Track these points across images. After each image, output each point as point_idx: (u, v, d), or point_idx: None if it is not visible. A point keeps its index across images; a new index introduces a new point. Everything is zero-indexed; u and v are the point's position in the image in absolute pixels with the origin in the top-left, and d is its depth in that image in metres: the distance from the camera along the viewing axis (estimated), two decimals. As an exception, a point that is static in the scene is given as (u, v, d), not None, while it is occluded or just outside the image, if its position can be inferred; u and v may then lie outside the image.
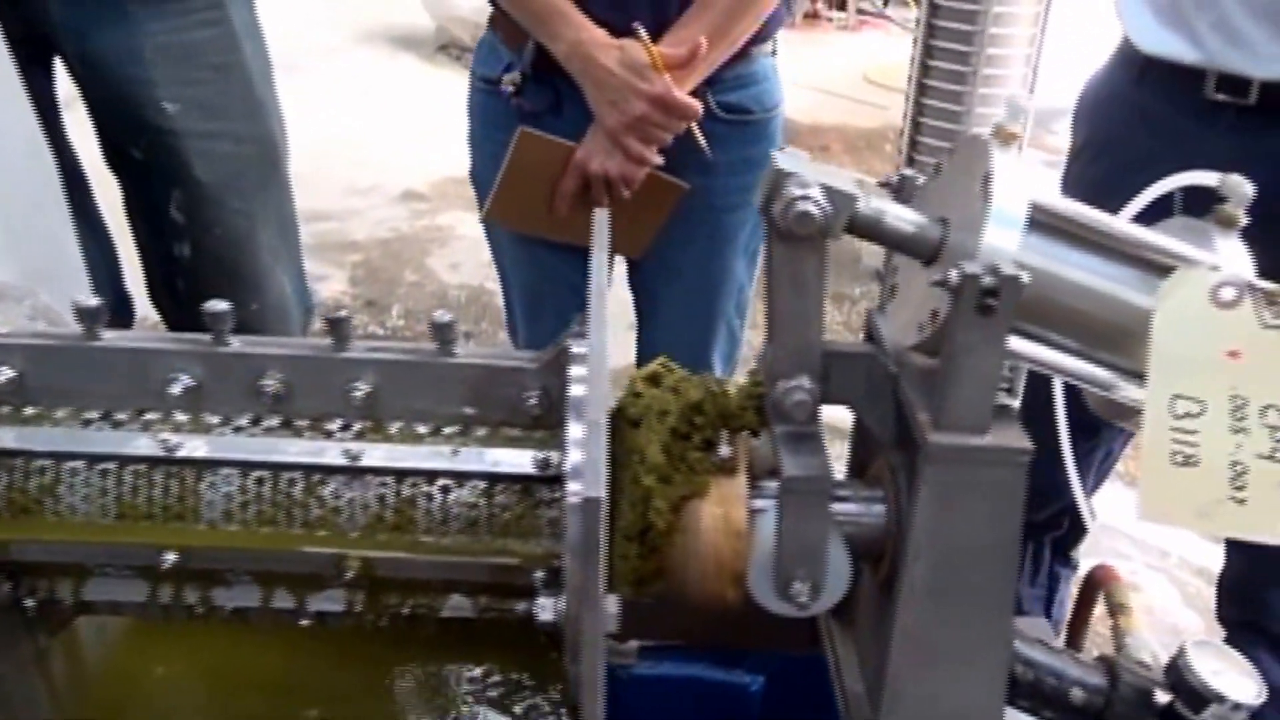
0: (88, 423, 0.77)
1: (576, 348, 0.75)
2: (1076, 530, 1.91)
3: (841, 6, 7.40)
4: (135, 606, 0.78)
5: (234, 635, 0.89)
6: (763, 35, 1.56)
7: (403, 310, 3.52)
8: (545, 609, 0.67)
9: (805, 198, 0.66)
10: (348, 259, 3.94)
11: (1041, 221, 0.69)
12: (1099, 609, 1.07)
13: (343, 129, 5.07)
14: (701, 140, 1.52)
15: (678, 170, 1.55)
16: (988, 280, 0.63)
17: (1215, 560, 2.59)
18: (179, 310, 1.68)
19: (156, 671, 0.91)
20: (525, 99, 1.55)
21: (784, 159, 0.68)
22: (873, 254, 3.53)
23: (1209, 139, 1.39)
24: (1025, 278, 0.63)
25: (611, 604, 0.68)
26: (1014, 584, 0.74)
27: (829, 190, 0.67)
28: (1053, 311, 0.71)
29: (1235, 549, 1.77)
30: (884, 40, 7.07)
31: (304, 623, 0.78)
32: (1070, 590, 2.06)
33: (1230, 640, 1.70)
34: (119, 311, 1.68)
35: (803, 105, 5.50)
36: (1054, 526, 1.89)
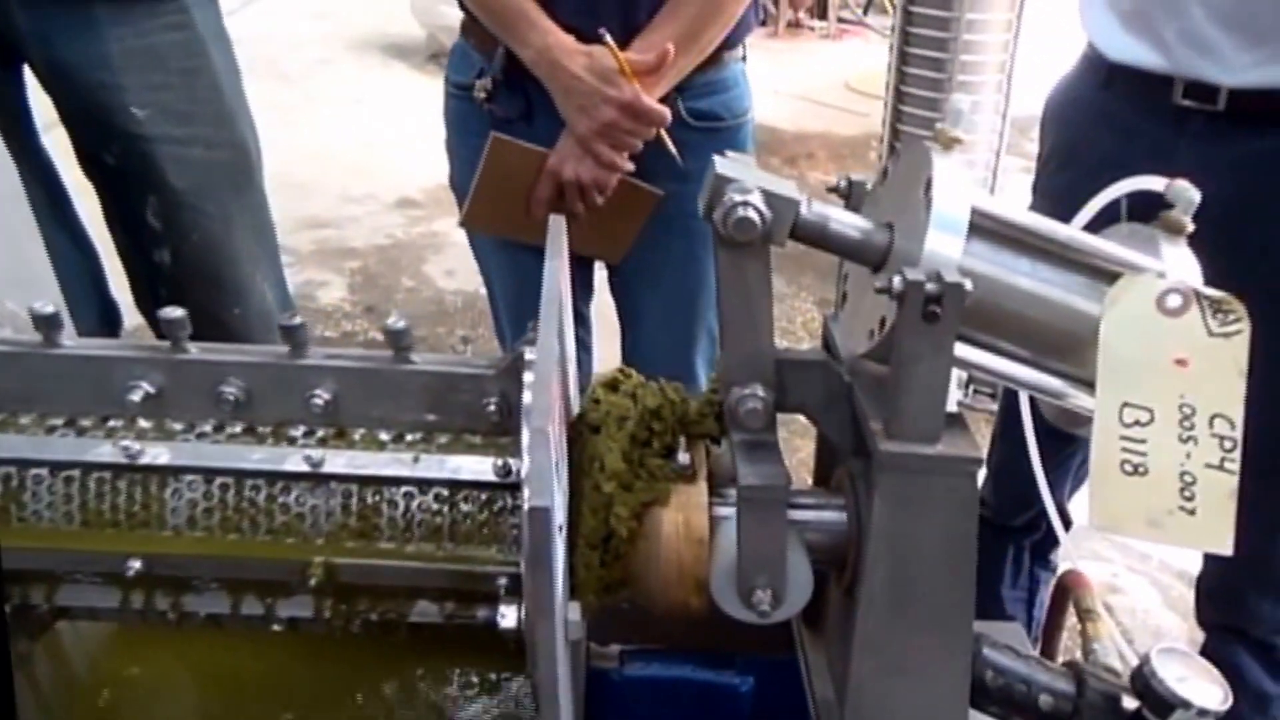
0: (52, 429, 0.77)
1: (530, 353, 0.75)
2: (1055, 534, 1.90)
3: (823, 15, 7.41)
4: (110, 612, 0.78)
5: (217, 638, 0.89)
6: (732, 41, 1.55)
7: (401, 316, 3.50)
8: (507, 616, 0.67)
9: (745, 204, 0.66)
10: (346, 265, 3.95)
11: (985, 227, 0.69)
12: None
13: (336, 138, 5.08)
14: (672, 147, 1.51)
15: (651, 177, 1.55)
16: (931, 287, 0.63)
17: (1196, 563, 2.59)
18: None
19: (140, 674, 0.91)
20: (497, 105, 1.54)
21: (724, 164, 0.68)
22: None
23: (1176, 145, 1.38)
24: (968, 284, 0.62)
25: (574, 611, 0.67)
26: (972, 590, 0.73)
27: (769, 195, 0.67)
28: (1001, 319, 0.70)
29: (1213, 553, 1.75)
30: (864, 48, 7.09)
31: (276, 628, 0.77)
32: (1049, 592, 2.05)
33: (1211, 643, 1.70)
34: (106, 320, 1.68)
35: (786, 113, 5.51)
36: (1033, 530, 1.88)
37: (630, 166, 1.50)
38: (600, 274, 1.80)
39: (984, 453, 0.70)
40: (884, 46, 6.58)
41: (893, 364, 0.67)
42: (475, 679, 0.91)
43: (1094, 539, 2.67)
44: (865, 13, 7.60)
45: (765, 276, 0.69)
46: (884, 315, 0.68)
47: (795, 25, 7.29)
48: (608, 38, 1.41)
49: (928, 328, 0.64)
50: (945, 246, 0.65)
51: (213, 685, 0.93)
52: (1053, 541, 1.95)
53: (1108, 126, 1.47)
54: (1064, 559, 2.00)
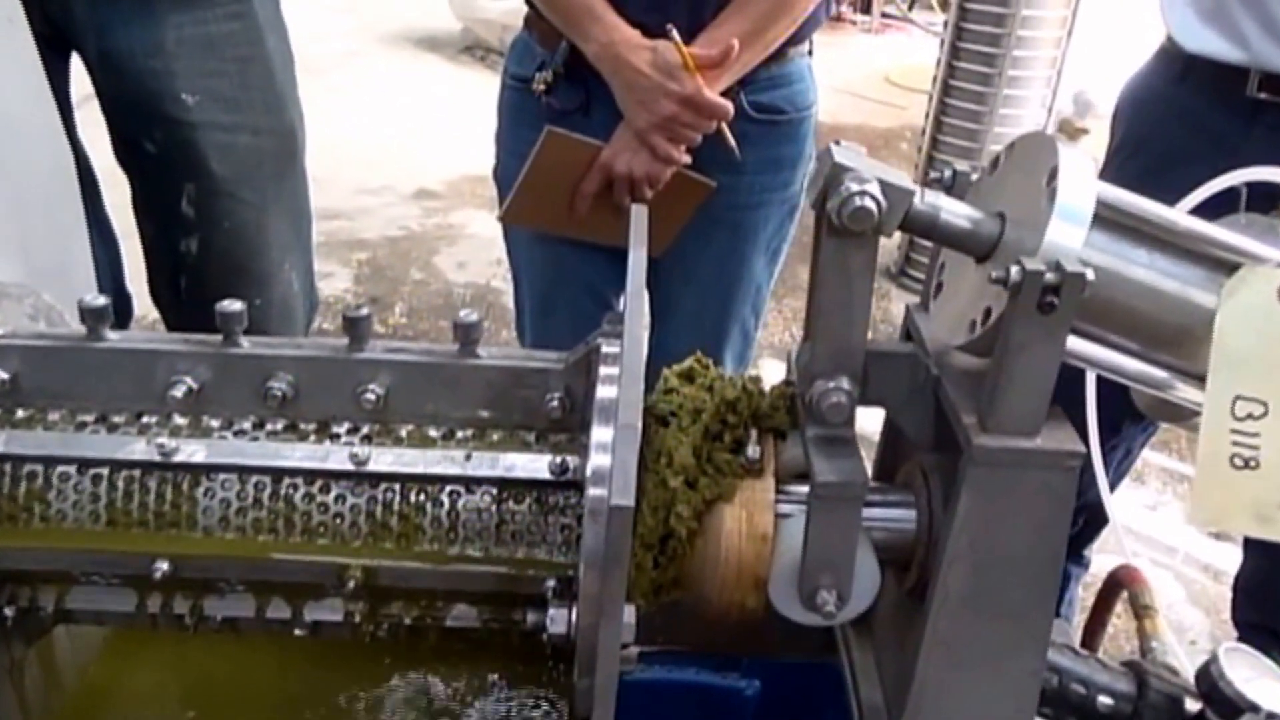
0: (82, 426, 0.71)
1: (608, 347, 0.69)
2: (1091, 528, 1.85)
3: (866, 10, 7.30)
4: (120, 616, 0.72)
5: (218, 643, 0.83)
6: (799, 36, 1.50)
7: (406, 308, 3.44)
8: (556, 621, 0.61)
9: (863, 193, 0.60)
10: (354, 256, 3.85)
11: (1105, 217, 0.63)
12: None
13: (360, 129, 4.99)
14: (731, 140, 1.46)
15: (704, 167, 1.49)
16: (1050, 277, 0.58)
17: (1221, 557, 2.52)
18: (179, 308, 1.61)
19: (137, 682, 0.85)
20: (555, 98, 1.49)
21: (840, 153, 0.62)
22: (884, 247, 3.46)
23: (1246, 138, 1.33)
24: (1090, 274, 0.57)
25: (629, 615, 0.62)
26: (1055, 589, 0.68)
27: (886, 185, 0.61)
28: (1112, 310, 0.65)
29: (1254, 550, 1.70)
30: (906, 43, 6.98)
31: (299, 632, 0.72)
32: (1079, 590, 1.99)
33: (1242, 641, 1.64)
34: (118, 309, 1.62)
35: (825, 106, 5.40)
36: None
37: (687, 159, 1.45)
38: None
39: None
40: (926, 42, 6.47)
41: (996, 355, 0.62)
42: (498, 683, 0.87)
43: (1120, 532, 2.60)
44: (910, 9, 7.47)
45: (870, 268, 0.63)
46: (989, 306, 0.62)
47: (838, 19, 7.18)
48: (674, 33, 1.36)
49: (1040, 318, 0.59)
50: (1067, 236, 0.60)
51: (216, 694, 0.88)
52: (1086, 537, 1.90)
53: (1178, 119, 1.43)
54: (1098, 553, 1.94)
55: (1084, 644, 1.14)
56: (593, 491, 0.64)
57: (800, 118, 1.56)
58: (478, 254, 3.72)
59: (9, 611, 0.72)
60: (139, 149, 1.49)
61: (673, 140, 1.41)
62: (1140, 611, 0.98)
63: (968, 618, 0.68)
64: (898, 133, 5.27)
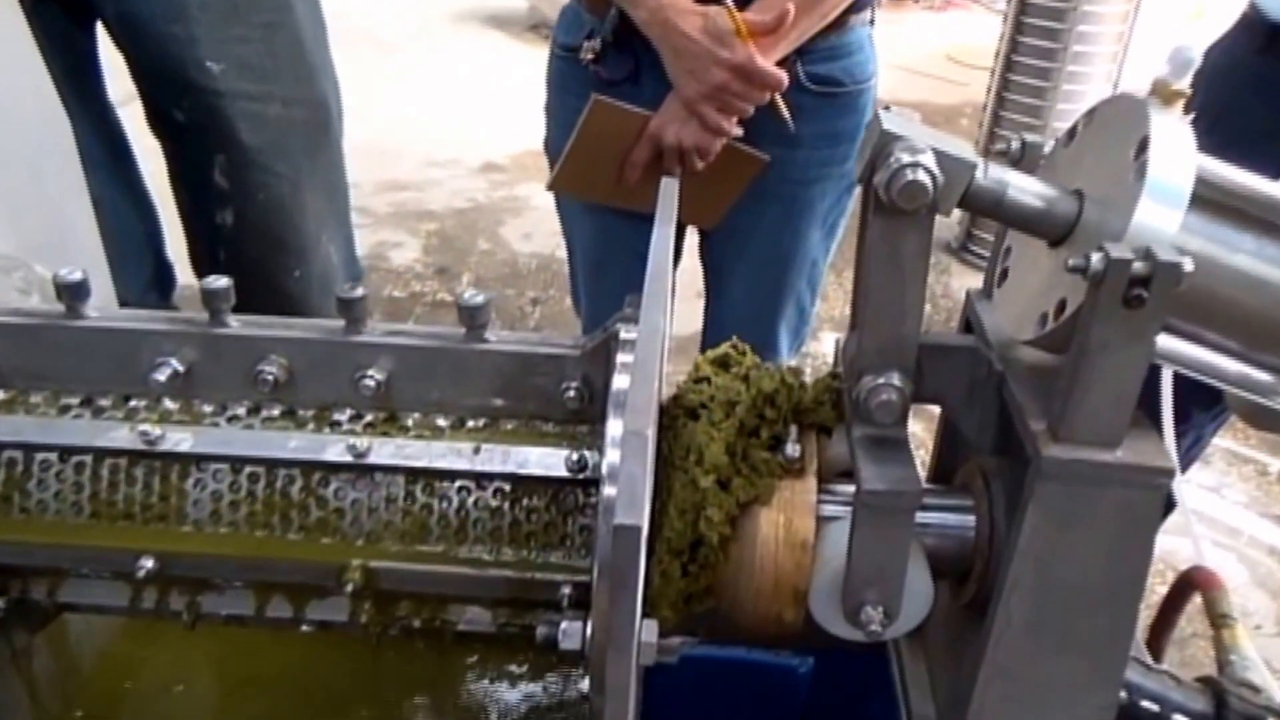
0: (66, 409, 0.64)
1: (626, 333, 0.60)
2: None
3: (928, -14, 7.04)
4: (115, 611, 0.66)
5: (233, 631, 0.77)
6: (861, 3, 1.39)
7: (473, 278, 3.40)
8: (570, 636, 0.52)
9: (916, 165, 0.50)
10: (423, 227, 3.80)
11: (1205, 198, 0.52)
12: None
13: (428, 104, 4.95)
14: (785, 112, 1.35)
15: (757, 140, 1.39)
16: (1139, 267, 0.47)
17: (1289, 539, 2.37)
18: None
19: (156, 664, 0.80)
20: (604, 66, 1.40)
21: (890, 120, 0.52)
22: (943, 222, 3.30)
23: None
24: (1188, 264, 0.46)
25: (650, 632, 0.53)
26: (1134, 620, 0.59)
27: (943, 157, 0.51)
28: (1211, 304, 0.54)
29: None
30: (967, 20, 6.73)
31: (305, 629, 0.65)
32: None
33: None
34: (159, 282, 1.56)
35: (885, 82, 5.23)
36: (1132, 514, 1.69)
37: (738, 132, 1.36)
38: (690, 239, 1.64)
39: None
40: (988, 19, 6.23)
41: (1072, 353, 0.51)
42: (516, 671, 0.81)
43: (1180, 512, 2.46)
44: (973, -15, 7.20)
45: (924, 251, 0.54)
46: (1064, 297, 0.52)
47: (899, -4, 6.95)
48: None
49: (1126, 314, 0.48)
50: (1160, 219, 0.49)
51: (232, 681, 0.83)
52: (1154, 527, 1.76)
53: (1258, 93, 1.31)
54: (1161, 534, 1.80)
55: (1148, 647, 1.04)
56: (608, 491, 0.56)
57: (859, 90, 1.45)
58: (542, 225, 3.66)
59: (1, 603, 0.66)
60: (169, 118, 1.42)
61: (723, 111, 1.31)
62: (1217, 621, 0.89)
63: (1031, 648, 0.59)
64: (958, 109, 5.09)
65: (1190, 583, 0.95)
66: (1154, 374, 0.79)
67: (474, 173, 4.31)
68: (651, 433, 0.47)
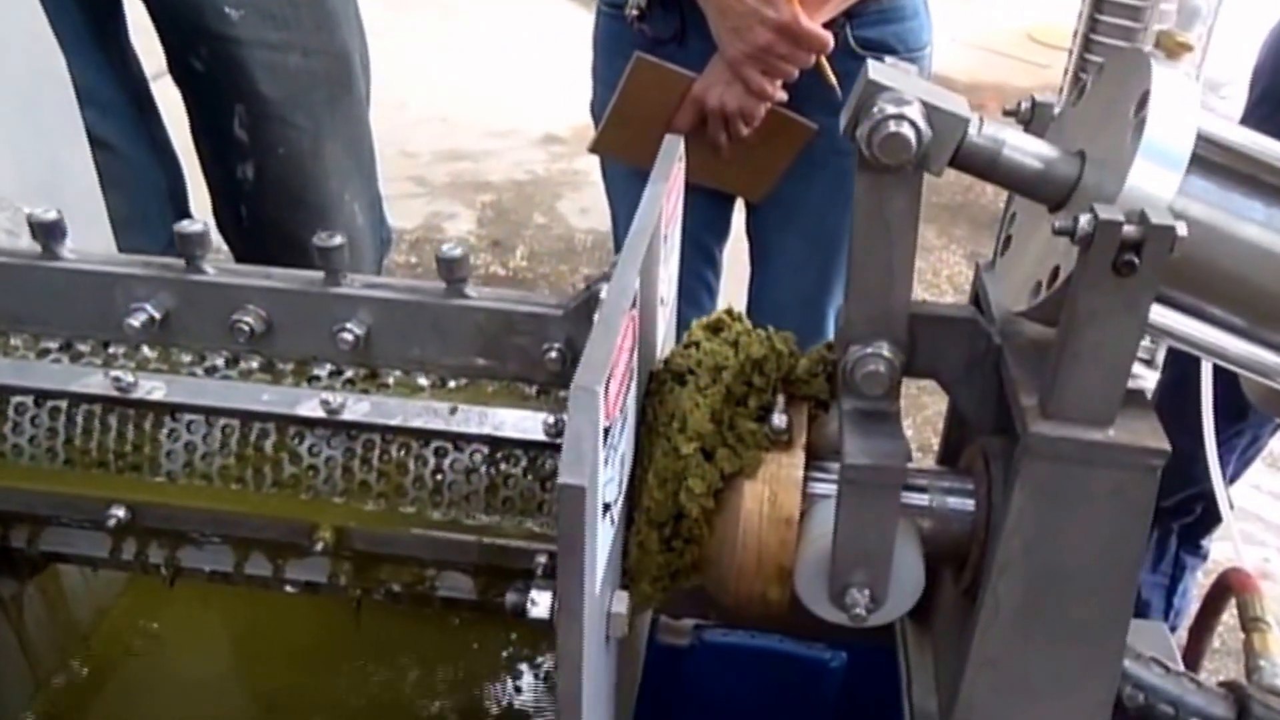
0: (45, 353, 0.64)
1: (606, 293, 0.58)
2: (1209, 518, 1.66)
3: (1010, -35, 6.82)
4: (96, 561, 0.66)
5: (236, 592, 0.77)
6: None
7: (527, 251, 3.34)
8: (538, 604, 0.51)
9: (900, 117, 0.47)
10: (479, 199, 3.75)
11: (1210, 160, 0.48)
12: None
13: (491, 72, 4.88)
14: (831, 77, 1.31)
15: (805, 107, 1.35)
16: (1130, 230, 0.44)
17: (1358, 548, 2.26)
18: (243, 238, 1.52)
19: (151, 627, 0.81)
20: (649, 25, 1.38)
21: (880, 70, 0.49)
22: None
23: None
24: (1182, 228, 0.43)
25: (620, 603, 0.52)
26: (1130, 606, 0.57)
27: (932, 110, 0.48)
28: (1215, 276, 0.51)
29: None
30: (1051, -1, 6.51)
31: (289, 590, 0.64)
32: (1196, 579, 1.79)
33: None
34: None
35: (963, 62, 5.11)
36: (1184, 513, 1.65)
37: (783, 96, 1.32)
38: (738, 215, 1.61)
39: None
40: (1072, -2, 6.02)
41: (1062, 325, 0.49)
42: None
43: (1246, 520, 2.36)
44: (1056, -36, 6.97)
45: (912, 212, 0.51)
46: (1058, 264, 0.49)
47: (980, -26, 6.74)
48: None
49: (1117, 282, 0.45)
50: (1155, 181, 0.46)
51: (229, 632, 0.84)
52: (1205, 526, 1.71)
53: None
54: (1217, 537, 1.73)
55: (1188, 652, 1.00)
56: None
57: (912, 57, 1.40)
58: (601, 200, 3.57)
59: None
60: (189, 68, 1.41)
61: (767, 73, 1.28)
62: (1249, 624, 0.85)
63: (1021, 636, 0.57)
64: (1038, 91, 4.92)
65: (1227, 584, 0.91)
66: (1195, 368, 0.75)
67: (534, 144, 4.29)
68: (613, 388, 0.46)
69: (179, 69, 1.41)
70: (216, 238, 1.60)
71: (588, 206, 3.69)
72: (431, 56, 4.65)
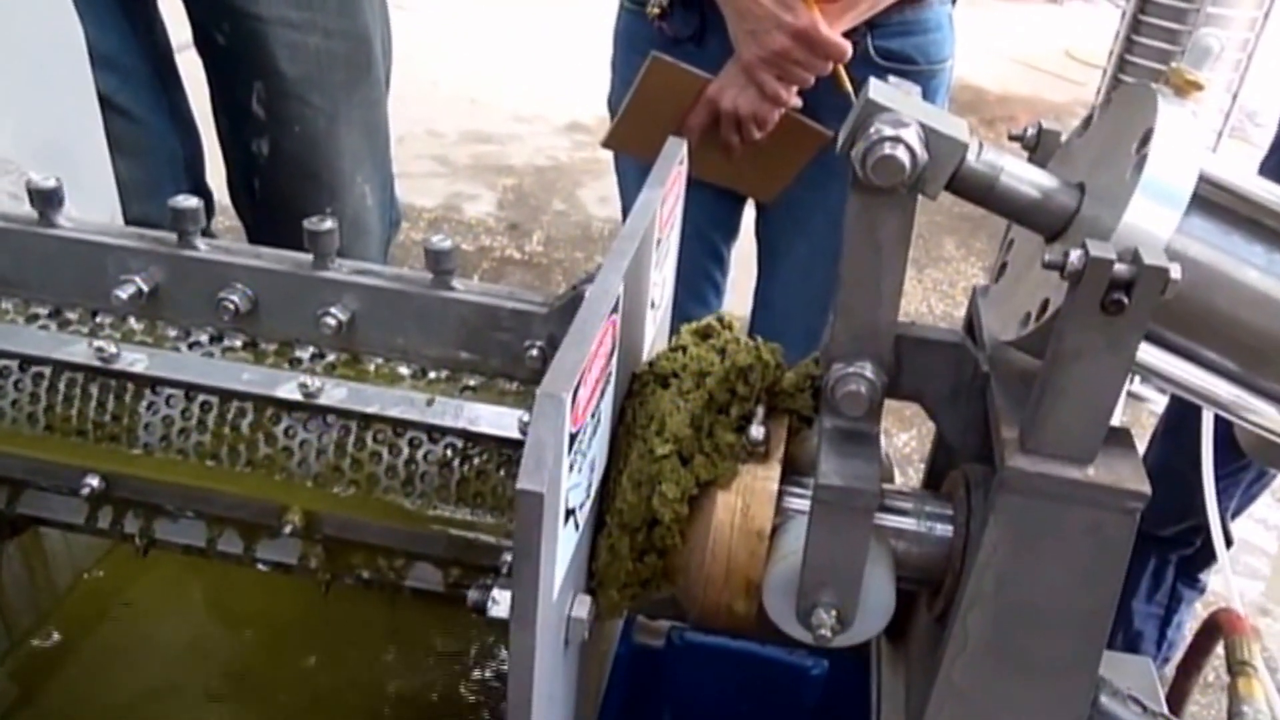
0: (34, 319, 0.64)
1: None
2: (1208, 552, 1.64)
3: (1052, -19, 6.76)
4: (74, 527, 0.66)
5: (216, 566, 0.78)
6: None
7: (544, 237, 3.35)
8: (500, 603, 0.50)
9: (895, 140, 0.46)
10: (500, 182, 3.77)
11: (1212, 200, 0.47)
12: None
13: (521, 58, 4.90)
14: (848, 85, 1.29)
15: (822, 114, 1.34)
16: (1121, 269, 0.43)
17: (1357, 588, 2.23)
18: (255, 211, 1.53)
19: (140, 591, 0.80)
20: (669, 23, 1.37)
21: (881, 89, 0.48)
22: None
23: None
24: (1175, 271, 0.42)
25: (581, 608, 0.51)
26: (1101, 646, 0.56)
27: (930, 133, 0.47)
28: (1209, 319, 0.50)
29: None
30: (1090, 14, 6.44)
31: (261, 568, 0.64)
32: (1193, 612, 1.77)
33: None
34: None
35: (996, 74, 5.07)
36: (1183, 544, 1.63)
37: (797, 102, 1.31)
38: (748, 215, 1.60)
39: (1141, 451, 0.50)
40: (1111, 15, 5.97)
41: (1047, 359, 0.48)
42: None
43: (1250, 553, 2.33)
44: (1098, -20, 6.89)
45: (903, 234, 0.50)
46: (1047, 298, 0.48)
47: (1022, -10, 6.68)
48: None
49: (1105, 320, 0.44)
50: (1153, 219, 0.45)
51: (209, 602, 0.83)
52: (1204, 559, 1.69)
53: None
54: (1215, 574, 1.71)
55: (1173, 691, 0.99)
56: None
57: (932, 70, 1.38)
58: (620, 191, 3.64)
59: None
60: (211, 41, 1.42)
61: (782, 78, 1.26)
62: (1235, 667, 0.84)
63: (989, 669, 0.56)
64: (1069, 108, 4.88)
65: (1217, 624, 0.90)
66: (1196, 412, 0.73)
67: (558, 131, 4.29)
68: (582, 395, 0.45)
69: (202, 41, 1.42)
70: (230, 209, 1.62)
71: (607, 195, 3.68)
72: (466, 38, 4.64)
